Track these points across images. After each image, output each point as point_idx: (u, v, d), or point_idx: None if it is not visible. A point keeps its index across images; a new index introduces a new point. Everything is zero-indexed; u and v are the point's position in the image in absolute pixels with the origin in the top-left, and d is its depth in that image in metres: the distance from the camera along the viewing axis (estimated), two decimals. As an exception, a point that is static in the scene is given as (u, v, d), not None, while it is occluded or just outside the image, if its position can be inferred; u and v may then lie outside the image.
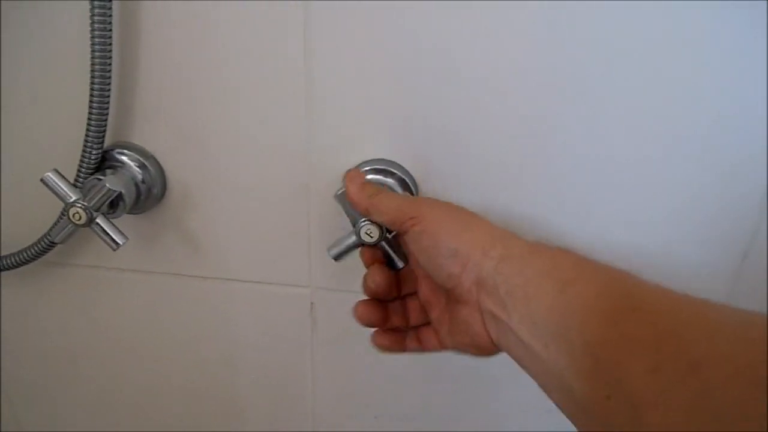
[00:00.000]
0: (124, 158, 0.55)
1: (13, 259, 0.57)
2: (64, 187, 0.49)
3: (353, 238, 0.47)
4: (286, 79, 0.51)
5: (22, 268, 0.58)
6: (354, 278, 0.59)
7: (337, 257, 0.49)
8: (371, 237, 0.47)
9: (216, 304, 0.63)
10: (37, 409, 0.73)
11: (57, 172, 0.49)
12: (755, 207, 0.50)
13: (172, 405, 0.70)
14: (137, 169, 0.55)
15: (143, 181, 0.55)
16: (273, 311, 0.63)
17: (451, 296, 0.41)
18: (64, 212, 0.50)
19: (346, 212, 0.50)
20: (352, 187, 0.45)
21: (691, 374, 0.24)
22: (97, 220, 0.50)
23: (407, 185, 0.53)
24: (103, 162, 0.55)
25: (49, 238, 0.55)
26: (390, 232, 0.47)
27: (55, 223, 0.55)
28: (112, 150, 0.55)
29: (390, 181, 0.52)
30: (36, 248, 0.56)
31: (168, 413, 0.71)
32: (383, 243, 0.47)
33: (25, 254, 0.57)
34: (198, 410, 0.70)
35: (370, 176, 0.52)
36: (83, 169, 0.52)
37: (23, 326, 0.67)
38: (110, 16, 0.47)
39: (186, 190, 0.57)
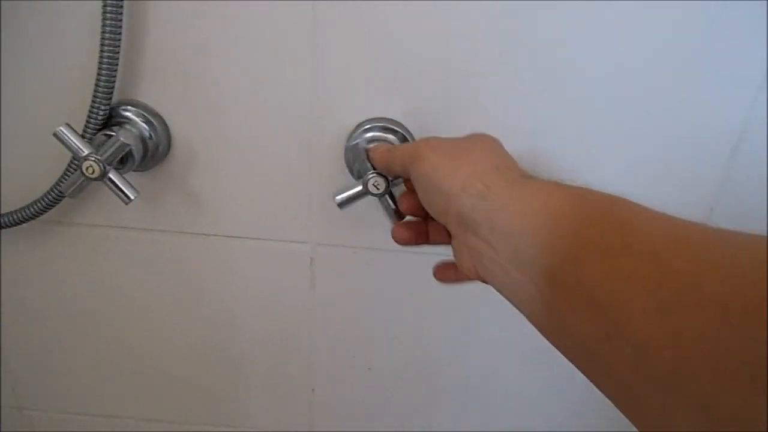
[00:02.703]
0: (129, 114, 0.56)
1: (17, 215, 0.58)
2: (76, 141, 0.50)
3: (360, 188, 0.50)
4: (291, 37, 0.53)
5: (24, 225, 0.59)
6: (353, 233, 0.62)
7: (342, 204, 0.51)
8: (378, 188, 0.49)
9: (217, 261, 0.65)
10: (37, 368, 0.74)
11: (69, 126, 0.50)
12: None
13: (173, 362, 0.72)
14: (144, 125, 0.56)
15: (150, 138, 0.56)
16: (273, 267, 0.65)
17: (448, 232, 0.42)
18: (76, 166, 0.52)
19: (350, 168, 0.53)
20: (377, 148, 0.49)
21: (701, 310, 0.23)
22: (110, 174, 0.51)
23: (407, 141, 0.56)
24: (109, 119, 0.56)
25: (58, 190, 0.56)
26: (395, 184, 0.50)
27: (63, 177, 0.56)
28: (118, 107, 0.56)
29: (391, 137, 0.55)
30: (42, 203, 0.57)
31: (170, 370, 0.73)
32: (387, 196, 0.50)
33: (30, 209, 0.58)
34: (198, 366, 0.72)
35: (372, 133, 0.55)
36: (91, 125, 0.54)
37: (24, 285, 0.67)
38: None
39: (190, 148, 0.59)
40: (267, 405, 0.75)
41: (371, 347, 0.70)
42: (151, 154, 0.57)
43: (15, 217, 0.58)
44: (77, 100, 0.55)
